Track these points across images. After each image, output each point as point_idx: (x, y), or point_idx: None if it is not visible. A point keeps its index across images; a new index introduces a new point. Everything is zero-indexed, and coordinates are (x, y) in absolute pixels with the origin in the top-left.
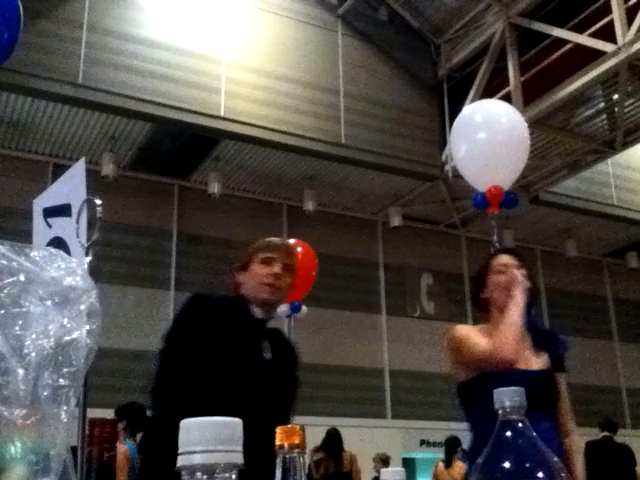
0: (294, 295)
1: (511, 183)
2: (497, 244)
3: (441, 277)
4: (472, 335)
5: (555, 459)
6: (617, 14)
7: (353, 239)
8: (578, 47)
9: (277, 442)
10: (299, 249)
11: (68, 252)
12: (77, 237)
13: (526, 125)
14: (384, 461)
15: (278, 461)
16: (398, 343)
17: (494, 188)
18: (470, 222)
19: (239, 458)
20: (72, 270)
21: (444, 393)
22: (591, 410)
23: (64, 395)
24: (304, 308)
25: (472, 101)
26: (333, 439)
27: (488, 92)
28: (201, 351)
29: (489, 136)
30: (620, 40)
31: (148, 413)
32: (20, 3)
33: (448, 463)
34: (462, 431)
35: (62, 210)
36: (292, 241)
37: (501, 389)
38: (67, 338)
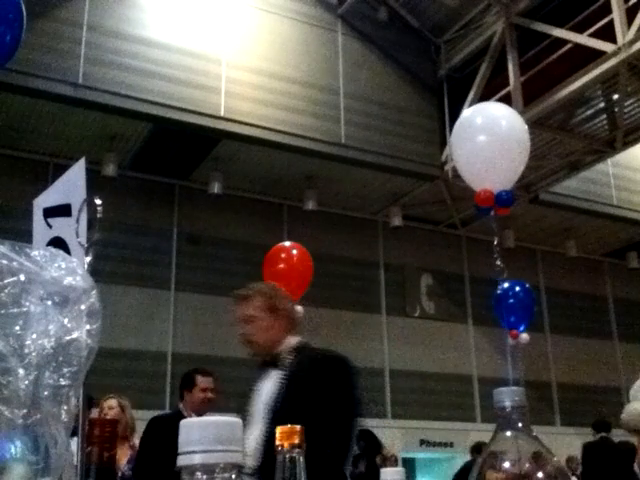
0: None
1: (511, 185)
2: (498, 247)
3: (441, 277)
4: None
5: (555, 459)
6: (617, 14)
7: (353, 239)
8: (578, 47)
9: (277, 442)
10: (294, 251)
11: (68, 252)
12: (77, 237)
13: (526, 127)
14: (395, 460)
15: (278, 461)
16: (398, 343)
17: (484, 192)
18: (470, 222)
19: (239, 458)
20: (72, 270)
21: (444, 393)
22: (591, 410)
23: (64, 395)
24: (299, 308)
25: (472, 101)
26: None
27: (488, 92)
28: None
29: (489, 138)
30: (620, 40)
31: None
32: (23, 5)
33: None
34: (461, 431)
35: (62, 210)
36: (287, 243)
37: (501, 389)
38: (67, 338)
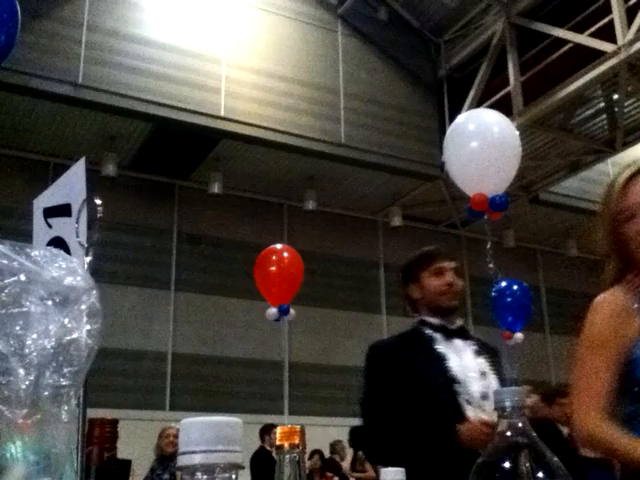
0: (282, 298)
1: (504, 189)
2: (491, 251)
3: None
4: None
5: (555, 459)
6: (617, 14)
7: (353, 239)
8: (578, 47)
9: (277, 442)
10: (285, 254)
11: (68, 252)
12: (77, 237)
13: (517, 133)
14: None
15: (278, 461)
16: None
17: (478, 196)
18: (470, 222)
19: (239, 458)
20: (73, 270)
21: None
22: None
23: (65, 395)
24: (292, 311)
25: (472, 101)
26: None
27: (488, 92)
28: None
29: (482, 144)
30: (620, 40)
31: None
32: (18, 4)
33: None
34: None
35: (62, 210)
36: (279, 246)
37: (501, 389)
38: (68, 338)
